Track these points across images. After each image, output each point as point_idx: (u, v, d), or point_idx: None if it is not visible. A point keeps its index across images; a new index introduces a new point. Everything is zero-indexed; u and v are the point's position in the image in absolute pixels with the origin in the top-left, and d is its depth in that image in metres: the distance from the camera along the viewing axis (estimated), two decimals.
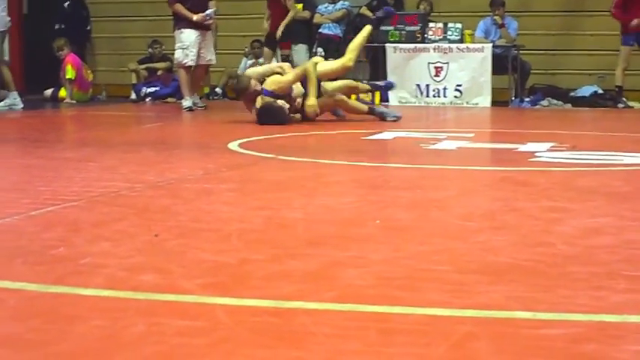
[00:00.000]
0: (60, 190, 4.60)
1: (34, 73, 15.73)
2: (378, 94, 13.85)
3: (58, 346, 2.09)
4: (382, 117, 9.87)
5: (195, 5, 11.67)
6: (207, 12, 11.70)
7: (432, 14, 14.34)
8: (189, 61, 11.75)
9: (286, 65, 9.76)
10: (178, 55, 11.84)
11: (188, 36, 11.71)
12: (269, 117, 8.93)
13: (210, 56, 12.08)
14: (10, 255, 3.08)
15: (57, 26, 15.19)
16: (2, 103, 12.02)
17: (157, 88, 14.33)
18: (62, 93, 14.08)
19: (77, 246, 3.26)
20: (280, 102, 9.10)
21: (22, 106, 11.97)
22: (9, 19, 11.94)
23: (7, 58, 12.10)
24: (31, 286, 2.64)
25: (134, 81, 15.00)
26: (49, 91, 14.41)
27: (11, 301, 2.51)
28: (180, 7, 11.72)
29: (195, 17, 11.59)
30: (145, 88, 14.60)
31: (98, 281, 2.70)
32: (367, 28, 10.47)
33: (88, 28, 15.77)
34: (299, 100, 9.39)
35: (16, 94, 12.10)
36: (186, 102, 11.82)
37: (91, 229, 3.61)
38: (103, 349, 2.07)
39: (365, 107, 10.14)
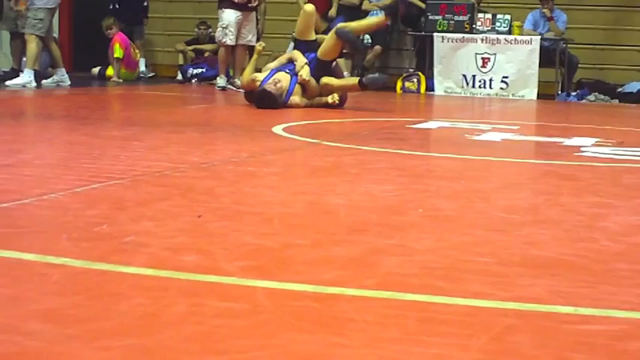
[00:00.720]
0: (105, 168, 4.63)
1: (82, 50, 15.85)
2: (423, 82, 13.82)
3: (100, 323, 2.10)
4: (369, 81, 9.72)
5: None
6: None
7: (481, 5, 14.26)
8: (228, 40, 12.00)
9: (297, 53, 9.71)
10: (218, 33, 12.21)
11: (228, 15, 11.91)
12: (259, 101, 8.98)
13: (250, 37, 12.15)
14: (55, 230, 3.10)
15: (111, 5, 15.23)
16: (50, 79, 12.11)
17: (204, 70, 14.37)
18: (109, 71, 14.18)
19: (121, 224, 3.27)
20: (276, 86, 9.11)
21: (69, 83, 12.06)
22: None
23: (55, 35, 12.19)
24: (74, 262, 2.65)
25: (181, 62, 15.06)
26: (96, 69, 14.51)
27: (55, 276, 2.52)
28: None
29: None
30: (191, 69, 14.65)
31: (141, 260, 2.72)
32: (379, 18, 10.40)
33: (145, 4, 15.75)
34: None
35: (64, 70, 12.19)
36: (221, 80, 11.95)
37: (134, 207, 3.63)
38: (144, 328, 2.08)
39: (355, 79, 9.95)
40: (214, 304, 2.29)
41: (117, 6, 15.13)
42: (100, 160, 4.97)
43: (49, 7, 11.80)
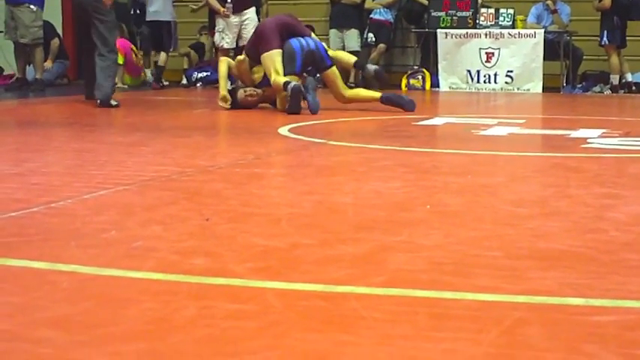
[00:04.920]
0: (112, 174, 4.63)
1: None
2: (428, 80, 13.81)
3: (110, 329, 2.10)
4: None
5: None
6: (227, 6, 11.88)
7: (485, 0, 14.24)
8: (225, 43, 12.06)
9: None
10: (216, 37, 12.30)
11: (224, 19, 11.93)
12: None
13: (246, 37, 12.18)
14: (64, 238, 3.11)
15: (132, 11, 15.22)
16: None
17: (208, 73, 14.37)
18: None
19: (129, 229, 3.28)
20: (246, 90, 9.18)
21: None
22: None
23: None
24: (83, 268, 2.66)
25: (185, 66, 15.07)
26: None
27: (64, 283, 2.53)
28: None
29: (221, 11, 11.88)
30: (196, 73, 14.66)
31: (150, 264, 2.72)
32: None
33: None
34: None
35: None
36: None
37: (142, 212, 3.64)
38: (154, 332, 2.09)
39: (376, 94, 9.72)
40: (224, 306, 2.29)
41: (138, 11, 15.08)
42: (107, 167, 4.98)
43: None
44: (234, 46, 12.02)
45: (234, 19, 11.96)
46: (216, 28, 12.21)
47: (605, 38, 12.80)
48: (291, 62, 9.04)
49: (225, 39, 12.02)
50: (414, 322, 2.17)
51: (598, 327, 2.14)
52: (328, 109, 8.93)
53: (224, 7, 11.91)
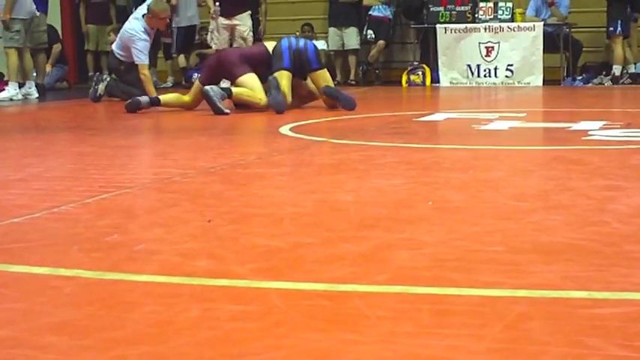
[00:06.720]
0: (113, 178, 4.64)
1: (85, 61, 15.92)
2: (428, 74, 13.81)
3: (114, 332, 2.11)
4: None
5: None
6: (214, 9, 11.95)
7: None
8: (213, 44, 12.36)
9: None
10: (208, 36, 12.70)
11: (216, 20, 12.03)
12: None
13: (240, 41, 12.17)
14: (66, 242, 3.11)
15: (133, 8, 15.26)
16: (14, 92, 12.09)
17: None
18: None
19: (131, 232, 3.28)
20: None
21: (36, 95, 12.11)
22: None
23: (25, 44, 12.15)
24: (86, 273, 2.66)
25: (183, 65, 15.08)
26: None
27: (67, 288, 2.53)
28: None
29: (211, 11, 12.06)
30: (195, 73, 14.65)
31: (153, 267, 2.73)
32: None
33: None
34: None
35: (33, 83, 12.28)
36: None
37: (144, 215, 3.64)
38: (158, 335, 2.09)
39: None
40: (227, 307, 2.29)
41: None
42: (109, 170, 4.98)
43: (22, 17, 11.86)
44: (226, 46, 12.05)
45: (223, 22, 12.00)
46: (209, 28, 12.51)
47: (619, 28, 12.74)
48: (279, 60, 9.05)
49: (214, 39, 12.16)
50: (417, 319, 2.17)
51: (601, 320, 2.13)
52: (330, 108, 8.94)
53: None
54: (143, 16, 10.42)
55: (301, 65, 9.16)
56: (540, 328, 2.07)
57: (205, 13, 13.91)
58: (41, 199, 4.02)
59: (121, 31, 10.79)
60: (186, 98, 9.50)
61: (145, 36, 10.32)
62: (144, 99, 9.28)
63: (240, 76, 9.02)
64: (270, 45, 9.38)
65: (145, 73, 10.17)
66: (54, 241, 3.17)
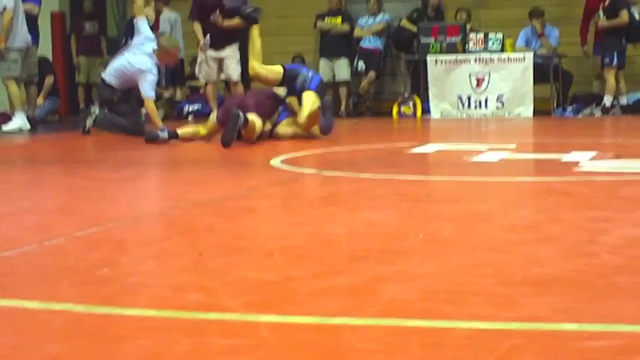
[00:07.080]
0: (104, 211, 4.63)
1: (77, 93, 15.94)
2: (419, 105, 13.85)
3: None
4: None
5: (210, 27, 11.83)
6: (204, 41, 11.94)
7: (473, 25, 14.31)
8: (200, 76, 12.33)
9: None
10: (196, 70, 12.57)
11: (204, 52, 12.08)
12: None
13: (229, 73, 12.11)
14: (57, 276, 3.10)
15: (124, 40, 15.29)
16: (10, 125, 12.10)
17: (200, 106, 14.38)
18: None
19: (122, 266, 3.28)
20: None
21: (29, 127, 12.10)
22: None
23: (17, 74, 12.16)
24: (77, 307, 2.65)
25: (167, 95, 15.08)
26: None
27: (57, 322, 2.52)
28: (196, 27, 12.15)
29: (200, 43, 11.97)
30: (187, 105, 14.69)
31: (143, 301, 2.72)
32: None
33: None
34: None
35: (24, 115, 12.23)
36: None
37: (135, 248, 3.64)
38: None
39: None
40: (218, 341, 2.29)
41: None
42: (99, 203, 4.98)
43: (17, 47, 11.88)
44: (213, 79, 12.07)
45: (211, 54, 11.99)
46: (197, 60, 12.42)
47: (615, 60, 12.79)
48: (306, 79, 9.49)
49: (202, 72, 12.16)
50: (408, 353, 2.17)
51: (592, 352, 2.14)
52: (321, 139, 8.95)
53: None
54: (154, 51, 10.40)
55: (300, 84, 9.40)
56: None
57: (193, 44, 13.97)
58: (32, 232, 4.02)
59: (122, 63, 10.68)
60: (203, 132, 9.64)
61: (156, 71, 10.36)
62: (163, 135, 9.44)
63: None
64: (280, 92, 9.66)
65: (152, 107, 10.21)
66: (44, 274, 3.16)
